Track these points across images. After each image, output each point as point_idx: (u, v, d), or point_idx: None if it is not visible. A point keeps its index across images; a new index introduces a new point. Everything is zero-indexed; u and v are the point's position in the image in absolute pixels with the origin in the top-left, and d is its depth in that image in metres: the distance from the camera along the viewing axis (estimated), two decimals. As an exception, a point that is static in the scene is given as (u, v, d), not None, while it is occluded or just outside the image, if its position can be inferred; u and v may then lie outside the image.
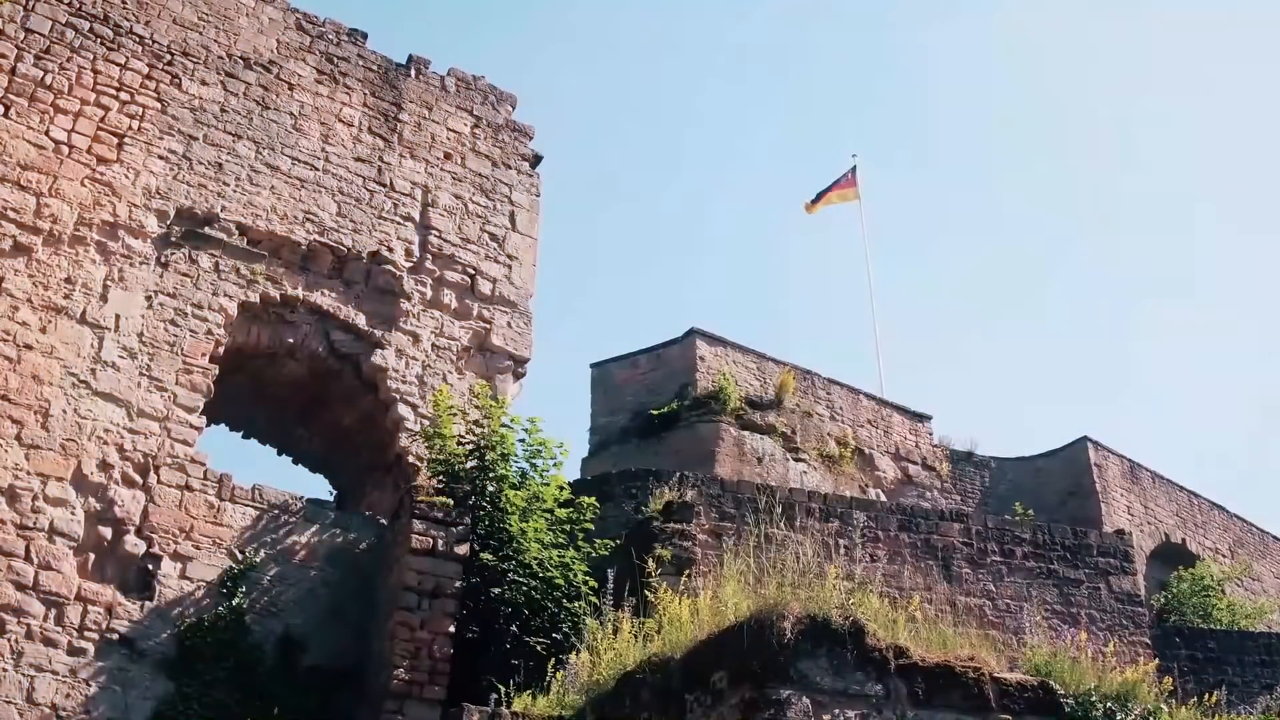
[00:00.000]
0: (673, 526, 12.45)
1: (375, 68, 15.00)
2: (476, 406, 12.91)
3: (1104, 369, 54.69)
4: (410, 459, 13.14)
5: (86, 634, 10.64)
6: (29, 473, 10.94)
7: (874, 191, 40.40)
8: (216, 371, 12.37)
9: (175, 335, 12.21)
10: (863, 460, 22.71)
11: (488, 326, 14.31)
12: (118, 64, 12.99)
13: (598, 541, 12.38)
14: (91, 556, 10.99)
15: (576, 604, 11.51)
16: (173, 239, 12.65)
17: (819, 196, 27.42)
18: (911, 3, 55.88)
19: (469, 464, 12.31)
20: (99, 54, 12.90)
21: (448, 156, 15.04)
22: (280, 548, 11.80)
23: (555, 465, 12.73)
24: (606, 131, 56.60)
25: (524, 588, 11.51)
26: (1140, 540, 22.20)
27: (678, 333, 22.09)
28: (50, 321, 11.61)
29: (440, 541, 11.10)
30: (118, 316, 11.97)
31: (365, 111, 14.61)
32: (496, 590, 11.45)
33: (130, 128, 12.77)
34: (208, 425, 12.32)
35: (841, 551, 11.49)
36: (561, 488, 12.53)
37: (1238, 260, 56.16)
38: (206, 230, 12.83)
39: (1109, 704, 7.58)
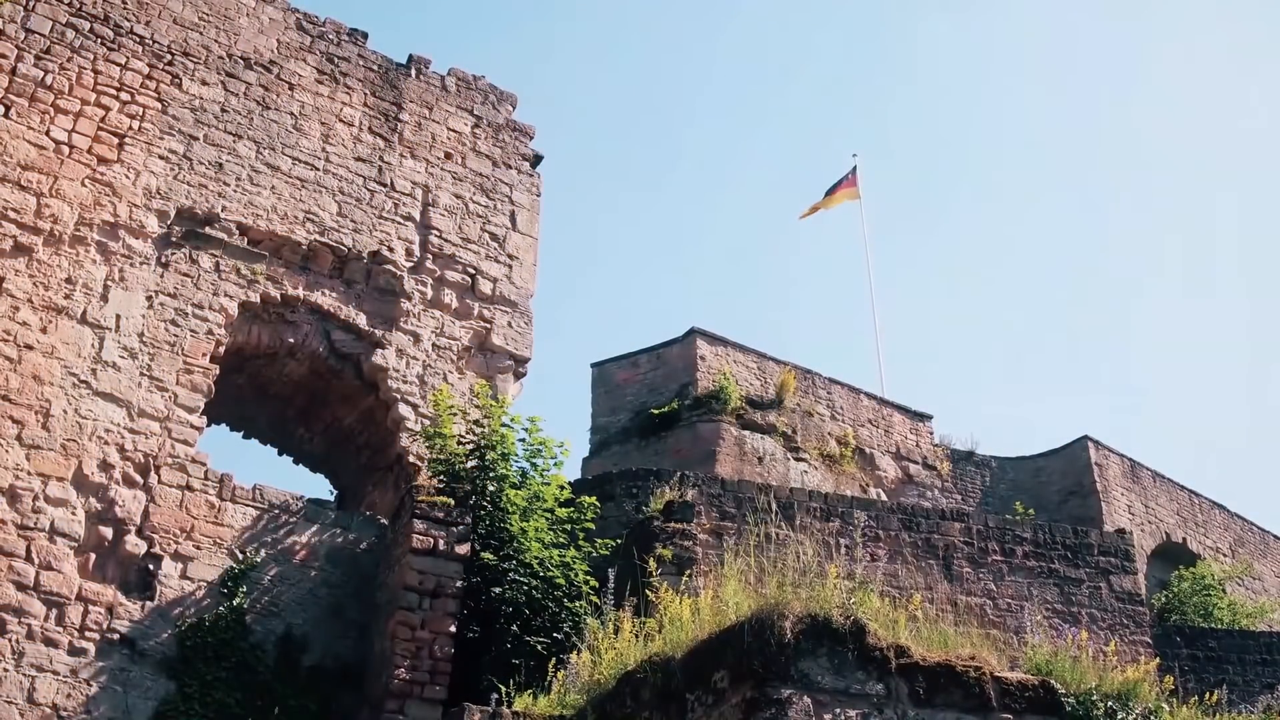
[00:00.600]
0: (673, 526, 12.45)
1: (376, 68, 15.00)
2: (477, 406, 12.91)
3: (1104, 368, 54.73)
4: (411, 459, 13.15)
5: (87, 634, 10.64)
6: (30, 473, 10.94)
7: (875, 190, 40.49)
8: (217, 371, 12.37)
9: (176, 335, 12.21)
10: (863, 460, 22.73)
11: (488, 326, 14.31)
12: (118, 64, 12.99)
13: (598, 541, 12.40)
14: (92, 556, 10.99)
15: (577, 603, 11.52)
16: (173, 239, 12.65)
17: (813, 207, 27.52)
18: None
19: (469, 463, 12.32)
20: (99, 54, 12.90)
21: (448, 156, 15.04)
22: (281, 547, 11.80)
23: (556, 465, 12.77)
24: (607, 131, 56.65)
25: (525, 587, 11.52)
26: (1141, 539, 22.22)
27: (678, 332, 22.15)
28: (51, 321, 11.62)
29: (441, 541, 11.11)
30: (118, 316, 11.98)
31: (366, 111, 14.61)
32: (497, 590, 11.46)
33: (131, 128, 12.78)
34: (208, 425, 12.33)
35: (842, 551, 11.48)
36: (562, 487, 12.55)
37: (1238, 257, 56.17)
38: (207, 230, 12.83)
39: (1110, 703, 7.58)
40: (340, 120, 14.35)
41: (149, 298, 12.24)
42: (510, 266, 14.83)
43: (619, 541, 12.59)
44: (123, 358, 11.83)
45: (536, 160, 15.88)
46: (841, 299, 55.03)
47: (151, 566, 11.15)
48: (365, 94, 14.72)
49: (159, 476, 11.52)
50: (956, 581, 13.48)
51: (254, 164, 13.43)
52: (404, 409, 13.36)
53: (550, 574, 11.69)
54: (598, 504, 12.79)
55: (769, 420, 21.20)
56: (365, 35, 15.12)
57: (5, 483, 10.79)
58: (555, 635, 11.29)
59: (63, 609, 10.64)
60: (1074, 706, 7.46)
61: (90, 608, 10.76)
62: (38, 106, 12.28)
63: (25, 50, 12.45)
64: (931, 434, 24.50)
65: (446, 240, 14.43)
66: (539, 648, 11.02)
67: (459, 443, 12.47)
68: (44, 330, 11.54)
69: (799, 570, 8.03)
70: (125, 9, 13.35)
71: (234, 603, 11.26)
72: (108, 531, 11.12)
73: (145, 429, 11.65)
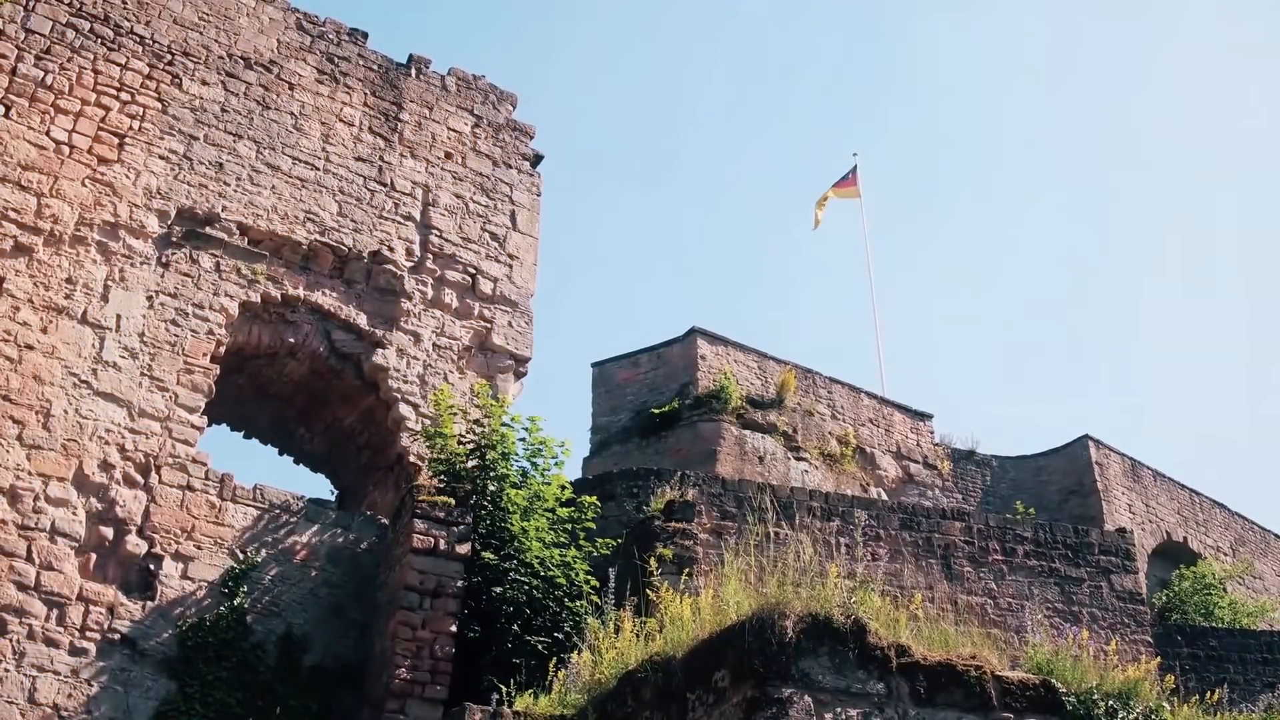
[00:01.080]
0: (674, 525, 12.46)
1: (376, 67, 15.00)
2: (477, 406, 12.91)
3: (1104, 368, 54.74)
4: (411, 458, 13.15)
5: (88, 634, 10.64)
6: (30, 473, 10.94)
7: (875, 190, 40.51)
8: (217, 371, 12.37)
9: (176, 335, 12.21)
10: (864, 459, 22.72)
11: (489, 326, 14.31)
12: (118, 64, 12.99)
13: (599, 541, 12.39)
14: (93, 557, 10.99)
15: (578, 603, 11.52)
16: (174, 239, 12.65)
17: (820, 201, 27.53)
18: None
19: (470, 463, 12.31)
20: (99, 54, 12.90)
21: (448, 156, 15.04)
22: (281, 547, 11.80)
23: (556, 464, 12.76)
24: (607, 131, 56.65)
25: (525, 587, 11.52)
26: (1141, 538, 22.22)
27: (679, 332, 22.16)
28: (51, 322, 11.62)
29: (442, 541, 11.11)
30: (119, 316, 11.98)
31: (366, 111, 14.61)
32: (498, 589, 11.46)
33: (131, 128, 12.77)
34: (209, 425, 12.32)
35: (843, 550, 11.49)
36: (563, 487, 12.54)
37: (1238, 257, 56.16)
38: (207, 230, 12.83)
39: (1111, 702, 7.59)
40: (340, 120, 14.35)
41: (149, 298, 12.24)
42: (510, 266, 14.83)
43: (620, 541, 12.59)
44: (123, 358, 11.83)
45: (537, 160, 15.88)
46: (841, 299, 55.08)
47: (152, 566, 11.15)
48: (365, 94, 14.72)
49: (160, 476, 11.52)
50: (957, 581, 13.49)
51: (254, 164, 13.43)
52: (404, 409, 13.36)
53: (551, 573, 11.68)
54: (598, 503, 12.79)
55: (769, 420, 21.20)
56: (365, 35, 15.12)
57: (6, 483, 10.79)
58: (556, 635, 11.29)
59: (63, 609, 10.64)
60: (1075, 705, 7.47)
61: (91, 608, 10.76)
62: (38, 106, 12.28)
63: (25, 50, 12.45)
64: (932, 433, 24.50)
65: (447, 240, 14.43)
66: (540, 647, 11.02)
67: (459, 442, 12.46)
68: (44, 330, 11.54)
69: (800, 569, 8.03)
70: (125, 9, 13.35)
71: (235, 603, 11.26)
72: (108, 531, 11.12)
73: (146, 429, 11.65)
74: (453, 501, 11.52)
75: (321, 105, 14.28)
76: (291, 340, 13.26)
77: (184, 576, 11.24)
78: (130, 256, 12.30)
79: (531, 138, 15.94)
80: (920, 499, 21.98)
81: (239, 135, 13.48)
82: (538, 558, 11.70)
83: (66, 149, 12.30)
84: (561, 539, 12.12)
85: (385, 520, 12.46)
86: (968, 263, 57.01)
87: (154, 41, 13.36)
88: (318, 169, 13.85)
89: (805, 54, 56.37)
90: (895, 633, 7.38)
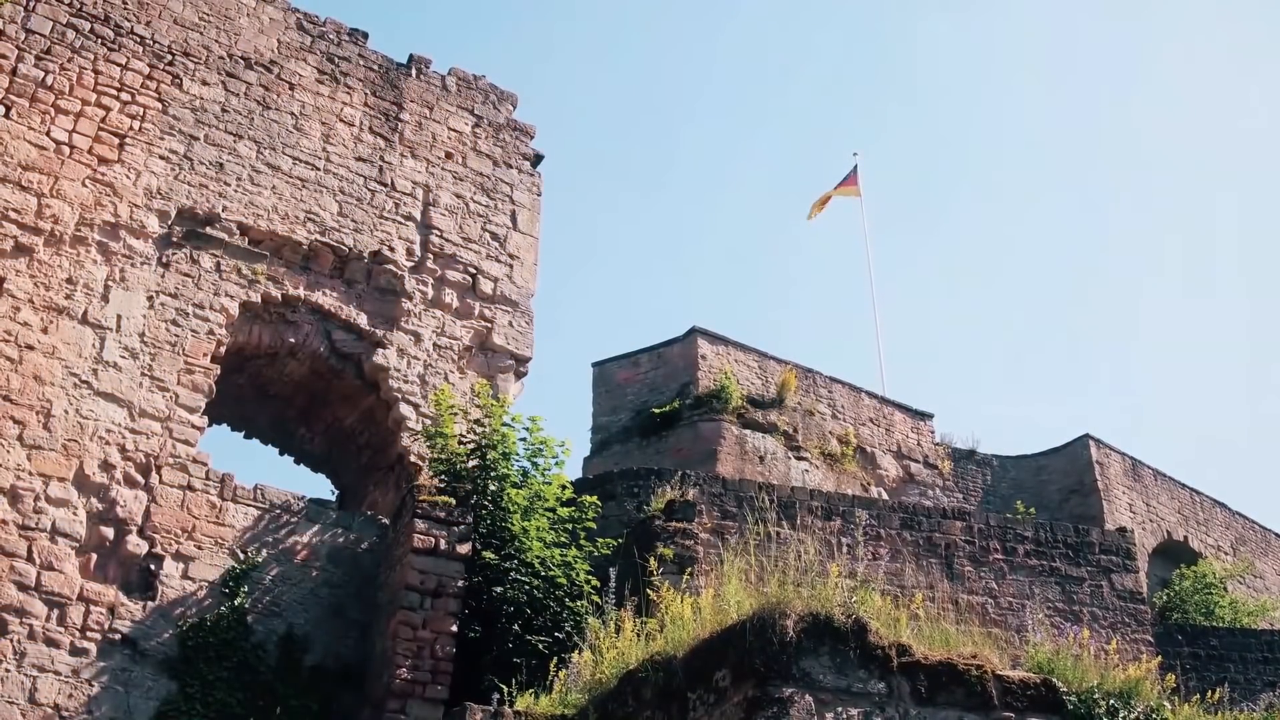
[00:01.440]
0: (675, 525, 12.46)
1: (376, 67, 15.00)
2: (478, 405, 12.92)
3: (1104, 368, 54.73)
4: (412, 458, 13.15)
5: (89, 634, 10.65)
6: (31, 473, 10.94)
7: (875, 190, 40.50)
8: (218, 371, 12.37)
9: (177, 335, 12.22)
10: (864, 458, 22.73)
11: (489, 326, 14.31)
12: (118, 64, 12.99)
13: (600, 540, 12.39)
14: (94, 557, 10.99)
15: (579, 603, 11.53)
16: (174, 239, 12.65)
17: (821, 201, 27.54)
18: None
19: (471, 463, 12.32)
20: (100, 54, 12.90)
21: (449, 156, 15.04)
22: (282, 547, 11.80)
23: (557, 464, 12.77)
24: (607, 131, 56.65)
25: (526, 587, 11.52)
26: (1142, 538, 22.23)
27: (679, 331, 22.17)
28: (52, 322, 11.62)
29: (442, 540, 11.11)
30: (119, 316, 11.98)
31: (366, 111, 14.61)
32: (499, 589, 11.46)
33: (131, 128, 12.77)
34: (209, 425, 12.33)
35: (844, 550, 11.48)
36: (564, 486, 12.55)
37: (1238, 257, 56.14)
38: (208, 230, 12.83)
39: (1111, 701, 7.59)
40: (341, 120, 14.35)
41: (150, 298, 12.24)
42: (511, 266, 14.84)
43: (620, 541, 12.59)
44: (124, 358, 11.83)
45: (537, 160, 15.88)
46: (842, 298, 55.09)
47: (153, 566, 11.15)
48: (366, 94, 14.72)
49: (160, 476, 11.52)
50: (958, 580, 13.49)
51: (254, 164, 13.43)
52: (405, 409, 13.36)
53: (551, 573, 11.69)
54: (599, 503, 12.79)
55: (770, 419, 21.21)
56: (365, 35, 15.12)
57: (7, 483, 10.79)
58: (557, 635, 11.30)
59: (64, 609, 10.64)
60: (1076, 705, 7.47)
61: (92, 608, 10.76)
62: (38, 107, 12.28)
63: (26, 50, 12.45)
64: (933, 433, 24.51)
65: (447, 240, 14.43)
66: (540, 647, 11.02)
67: (460, 442, 12.47)
68: (45, 330, 11.54)
69: (800, 569, 8.03)
70: (125, 9, 13.35)
71: (235, 603, 11.26)
72: (109, 532, 11.12)
73: (146, 429, 11.65)
74: (453, 501, 11.52)
75: (322, 105, 14.28)
76: (292, 340, 13.26)
77: (184, 576, 11.24)
78: (130, 256, 12.30)
79: (532, 138, 15.95)
80: (921, 499, 21.98)
81: (239, 135, 13.48)
82: (538, 557, 11.71)
83: (67, 149, 12.30)
84: (562, 539, 12.12)
85: (386, 520, 12.46)
86: (968, 263, 57.05)
87: (154, 42, 13.37)
88: (318, 169, 13.86)
89: (805, 54, 56.40)
90: (896, 632, 7.38)
